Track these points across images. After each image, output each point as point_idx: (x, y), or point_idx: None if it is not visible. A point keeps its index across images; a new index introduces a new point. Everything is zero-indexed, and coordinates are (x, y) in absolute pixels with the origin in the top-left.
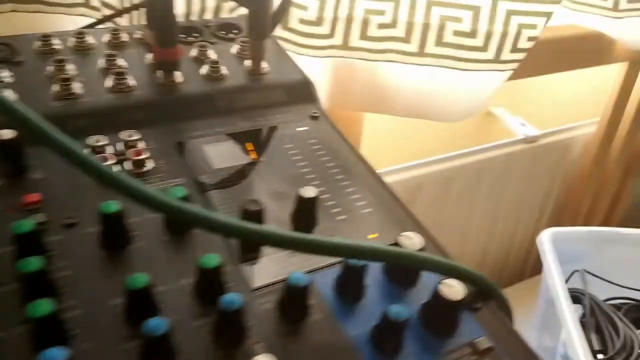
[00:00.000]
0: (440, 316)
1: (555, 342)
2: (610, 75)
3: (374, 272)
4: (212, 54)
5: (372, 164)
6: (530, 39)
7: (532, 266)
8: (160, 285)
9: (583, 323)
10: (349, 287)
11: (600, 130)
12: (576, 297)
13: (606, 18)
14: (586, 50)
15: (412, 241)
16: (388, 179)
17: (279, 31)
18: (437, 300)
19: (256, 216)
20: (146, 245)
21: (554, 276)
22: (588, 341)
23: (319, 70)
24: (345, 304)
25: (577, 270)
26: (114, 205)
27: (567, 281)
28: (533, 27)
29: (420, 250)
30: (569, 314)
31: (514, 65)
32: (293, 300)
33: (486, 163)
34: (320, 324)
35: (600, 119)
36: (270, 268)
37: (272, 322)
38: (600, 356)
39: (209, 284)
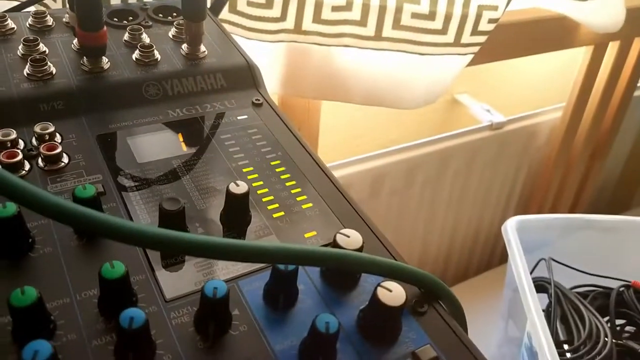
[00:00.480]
0: (379, 323)
1: (522, 333)
2: (576, 59)
3: (310, 275)
4: (145, 38)
5: (317, 155)
6: (491, 21)
7: (500, 254)
8: (59, 299)
9: (549, 313)
10: (278, 295)
11: (566, 116)
12: (542, 286)
13: (570, 1)
14: (550, 34)
15: (349, 239)
16: (350, 170)
17: (226, 14)
18: (374, 305)
19: (175, 216)
20: (50, 252)
21: (518, 265)
22: (554, 331)
23: (270, 57)
24: (273, 313)
25: (544, 259)
26: (10, 207)
27: (533, 270)
28: (494, 8)
29: (359, 249)
30: (533, 305)
31: (475, 49)
32: (210, 312)
33: (451, 151)
34: (242, 339)
35: (566, 104)
36: (192, 275)
37: (187, 338)
38: (566, 346)
39: (112, 297)
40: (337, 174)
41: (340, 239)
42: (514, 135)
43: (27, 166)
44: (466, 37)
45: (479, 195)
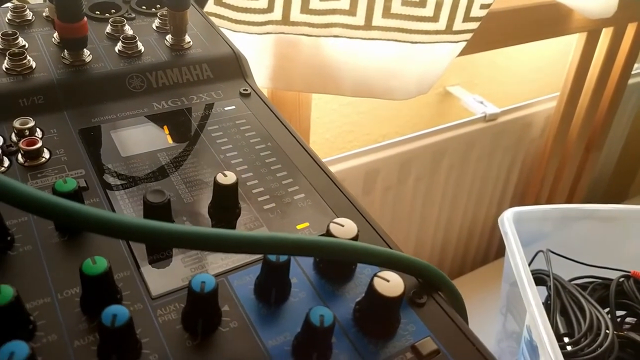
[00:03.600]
0: (376, 315)
1: (521, 326)
2: (569, 48)
3: (304, 267)
4: (128, 30)
5: (308, 145)
6: (483, 6)
7: (496, 248)
8: (39, 298)
9: (548, 305)
10: (270, 289)
11: (561, 105)
12: (541, 278)
13: None
14: (543, 21)
15: (343, 229)
16: (343, 166)
17: (211, 7)
18: (371, 296)
19: (160, 209)
20: (30, 250)
21: (516, 258)
22: (554, 324)
23: (258, 49)
24: (265, 308)
25: (542, 251)
26: None
27: (531, 262)
28: None
29: (354, 238)
30: (532, 298)
31: (467, 36)
32: (198, 308)
33: (445, 144)
34: (233, 335)
35: (560, 94)
36: (179, 271)
37: (174, 336)
38: (566, 339)
39: (95, 294)
40: None
41: (334, 228)
42: (508, 127)
43: (6, 162)
44: (458, 24)
45: (474, 188)
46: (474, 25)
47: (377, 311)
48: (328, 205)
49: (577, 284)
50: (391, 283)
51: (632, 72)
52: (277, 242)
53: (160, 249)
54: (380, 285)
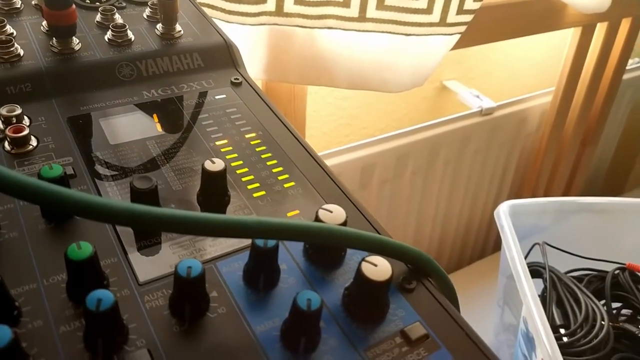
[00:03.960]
0: (365, 300)
1: (518, 319)
2: (564, 42)
3: (293, 253)
4: (118, 19)
5: (299, 134)
6: None
7: (493, 242)
8: (24, 284)
9: (544, 297)
10: (259, 275)
11: (556, 99)
12: (537, 271)
13: None
14: (537, 15)
15: (332, 214)
16: (339, 160)
17: None
18: (359, 281)
19: (147, 195)
20: (15, 237)
21: (512, 251)
22: (550, 316)
23: (252, 40)
24: (254, 294)
25: (538, 243)
26: None
27: (527, 255)
28: None
29: (343, 224)
30: (528, 290)
31: (461, 29)
32: (185, 293)
33: (441, 138)
34: (221, 321)
35: (556, 88)
36: (167, 257)
37: (161, 321)
38: (562, 331)
39: (80, 280)
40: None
41: (322, 214)
42: (504, 121)
43: None
44: (452, 17)
45: (470, 182)
46: (467, 17)
47: (366, 296)
48: (319, 193)
49: (573, 277)
50: (379, 267)
51: (627, 67)
52: (264, 226)
53: (149, 236)
54: (368, 270)
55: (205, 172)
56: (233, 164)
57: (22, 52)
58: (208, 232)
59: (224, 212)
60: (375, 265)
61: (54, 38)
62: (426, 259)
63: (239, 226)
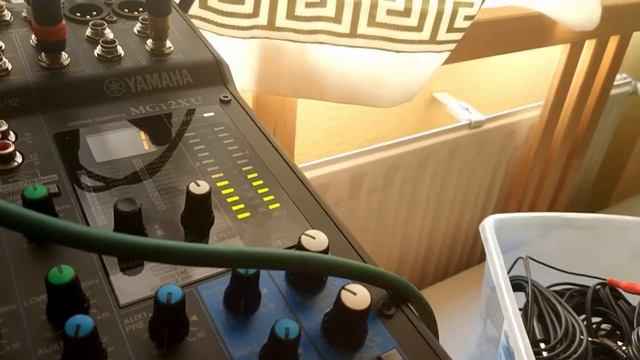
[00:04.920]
0: (344, 327)
1: (500, 331)
2: (553, 57)
3: (275, 278)
4: (108, 33)
5: (287, 154)
6: (466, 18)
7: (480, 253)
8: (4, 306)
9: (526, 311)
10: (239, 299)
11: (544, 114)
12: (520, 284)
13: None
14: (527, 32)
15: (314, 241)
16: (328, 169)
17: (196, 10)
18: (339, 309)
19: (131, 218)
20: None
21: (495, 265)
22: (530, 330)
23: (243, 53)
24: (234, 319)
25: (521, 258)
26: None
27: (511, 268)
28: (469, 5)
29: (324, 250)
30: (510, 304)
31: (451, 47)
32: (164, 318)
33: (430, 149)
34: (200, 345)
35: (544, 102)
36: (149, 280)
37: (141, 345)
38: (543, 345)
39: (61, 303)
40: (315, 173)
41: (305, 240)
42: (492, 134)
43: None
44: (442, 35)
45: (458, 193)
46: (457, 36)
47: (344, 323)
48: (303, 215)
49: (555, 291)
50: (358, 296)
51: (614, 83)
52: (244, 256)
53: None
54: (347, 299)
55: (190, 195)
56: (219, 184)
57: (9, 66)
58: (188, 262)
59: (207, 233)
60: (355, 294)
61: (42, 52)
62: (405, 285)
63: (219, 256)
